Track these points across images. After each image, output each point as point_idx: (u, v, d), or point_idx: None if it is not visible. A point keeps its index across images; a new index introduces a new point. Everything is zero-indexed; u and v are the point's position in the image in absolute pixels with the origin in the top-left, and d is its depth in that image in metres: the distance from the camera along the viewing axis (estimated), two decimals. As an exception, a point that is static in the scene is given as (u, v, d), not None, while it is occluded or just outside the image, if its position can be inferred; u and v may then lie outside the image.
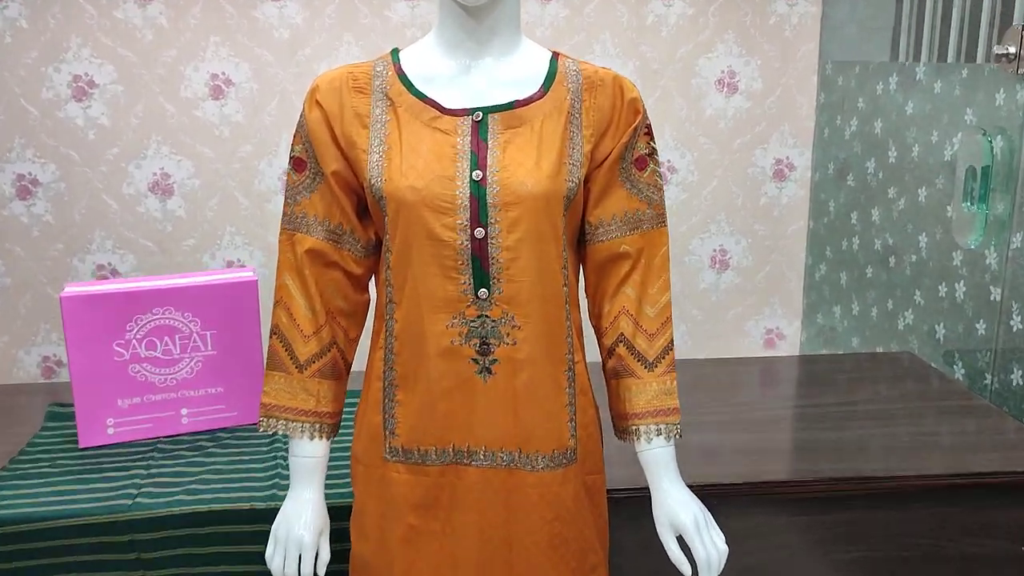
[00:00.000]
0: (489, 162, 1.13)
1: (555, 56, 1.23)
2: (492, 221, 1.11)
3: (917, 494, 1.54)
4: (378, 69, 1.22)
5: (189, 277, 1.71)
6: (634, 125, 1.21)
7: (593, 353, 1.23)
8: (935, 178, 2.16)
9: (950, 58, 2.15)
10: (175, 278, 1.70)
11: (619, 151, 1.20)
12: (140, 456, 1.62)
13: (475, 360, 1.15)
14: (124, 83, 2.60)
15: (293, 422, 1.21)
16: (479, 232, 1.11)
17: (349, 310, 1.24)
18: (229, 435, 1.70)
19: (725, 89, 2.76)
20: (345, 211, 1.20)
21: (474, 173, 1.11)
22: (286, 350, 1.22)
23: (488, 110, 1.15)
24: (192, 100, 2.64)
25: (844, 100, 2.63)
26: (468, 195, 1.10)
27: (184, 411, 1.71)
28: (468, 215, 1.10)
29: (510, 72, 1.20)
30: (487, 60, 1.19)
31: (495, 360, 1.15)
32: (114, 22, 2.56)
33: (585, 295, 1.28)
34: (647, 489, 1.20)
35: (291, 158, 1.25)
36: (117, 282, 1.68)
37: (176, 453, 1.63)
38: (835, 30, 2.72)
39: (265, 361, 1.25)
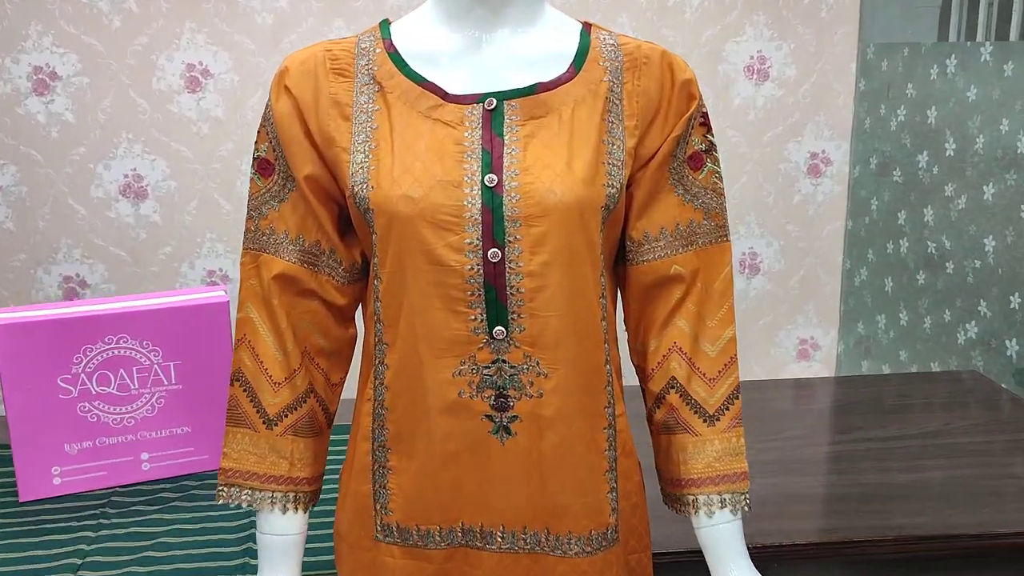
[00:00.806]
0: (506, 162, 0.88)
1: (587, 27, 0.98)
2: (511, 239, 0.87)
3: (1008, 554, 1.29)
4: (363, 46, 0.97)
5: (148, 299, 1.46)
6: (688, 114, 0.97)
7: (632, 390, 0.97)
8: (1005, 173, 1.91)
9: (1012, 37, 1.90)
10: (131, 300, 1.45)
11: (669, 147, 0.96)
12: (90, 513, 1.37)
13: (490, 417, 0.90)
14: (90, 75, 2.40)
15: (261, 492, 0.97)
16: (494, 254, 0.87)
17: (330, 348, 1.00)
18: (197, 483, 1.45)
19: (755, 76, 2.57)
20: (323, 226, 0.97)
21: (487, 177, 0.87)
22: (251, 401, 0.97)
23: (504, 95, 0.91)
24: (166, 93, 2.44)
25: (889, 87, 2.40)
26: (479, 206, 0.87)
27: (144, 456, 1.46)
28: (480, 232, 0.87)
29: (531, 47, 0.95)
30: (502, 32, 0.94)
31: (515, 417, 0.90)
32: (78, 7, 2.36)
33: (625, 328, 1.03)
34: (698, 553, 0.96)
35: (255, 159, 1.00)
36: (60, 306, 1.42)
37: (133, 508, 1.38)
38: (876, 10, 2.49)
39: (227, 413, 1.00)
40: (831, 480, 1.49)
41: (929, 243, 2.24)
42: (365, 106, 0.95)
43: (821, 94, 2.60)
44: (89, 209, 2.49)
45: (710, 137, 1.02)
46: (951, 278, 2.15)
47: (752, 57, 2.57)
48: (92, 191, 2.48)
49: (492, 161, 0.90)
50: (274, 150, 0.99)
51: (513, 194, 0.90)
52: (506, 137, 0.92)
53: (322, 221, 0.99)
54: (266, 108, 1.00)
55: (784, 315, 2.76)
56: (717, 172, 1.03)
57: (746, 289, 2.71)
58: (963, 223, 2.09)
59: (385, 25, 1.01)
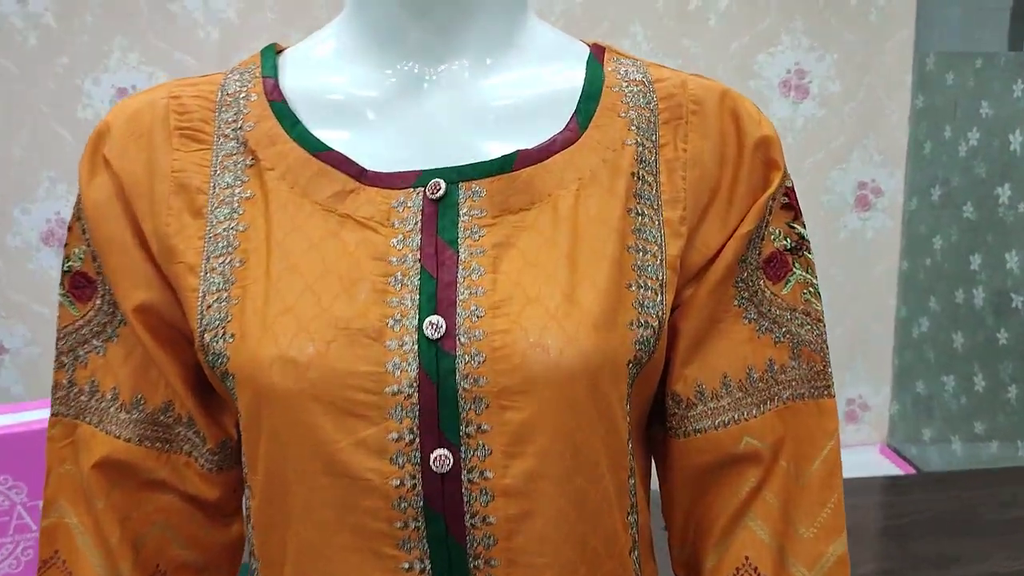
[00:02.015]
0: (462, 294, 0.57)
1: (596, 52, 0.62)
2: (471, 433, 0.55)
3: None
4: (231, 89, 0.61)
5: (3, 415, 1.08)
6: (767, 194, 0.62)
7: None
8: None
9: None
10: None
11: (737, 249, 0.62)
12: None
13: None
14: (1, 102, 2.12)
15: None
16: (442, 459, 0.54)
17: (201, 562, 0.67)
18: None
19: (792, 93, 2.28)
20: (172, 383, 0.62)
21: (428, 322, 0.55)
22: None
23: (460, 174, 0.59)
24: (93, 123, 2.16)
25: (956, 104, 2.09)
26: (415, 373, 0.54)
27: (1, 632, 1.07)
28: (415, 421, 0.54)
29: (506, 89, 0.63)
30: (458, 66, 0.59)
31: None
32: (-15, 23, 2.08)
33: (664, 526, 0.66)
34: None
35: (64, 273, 0.63)
36: None
37: None
38: (936, 12, 2.15)
39: None
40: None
41: (1014, 295, 1.90)
42: (228, 192, 0.59)
43: (870, 113, 2.31)
44: (6, 260, 2.21)
45: (798, 228, 0.65)
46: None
47: (789, 71, 2.29)
48: (9, 240, 2.20)
49: (438, 292, 0.53)
50: (93, 259, 0.62)
51: (474, 352, 0.52)
52: (463, 248, 0.55)
53: (170, 375, 0.61)
54: (78, 196, 0.62)
55: (828, 371, 2.41)
56: (811, 284, 0.65)
57: (784, 342, 2.36)
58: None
59: (269, 55, 0.63)
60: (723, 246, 0.61)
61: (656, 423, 0.65)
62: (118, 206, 0.60)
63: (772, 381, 0.63)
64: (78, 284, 0.63)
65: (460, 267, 0.55)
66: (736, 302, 0.63)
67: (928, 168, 2.22)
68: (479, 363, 0.53)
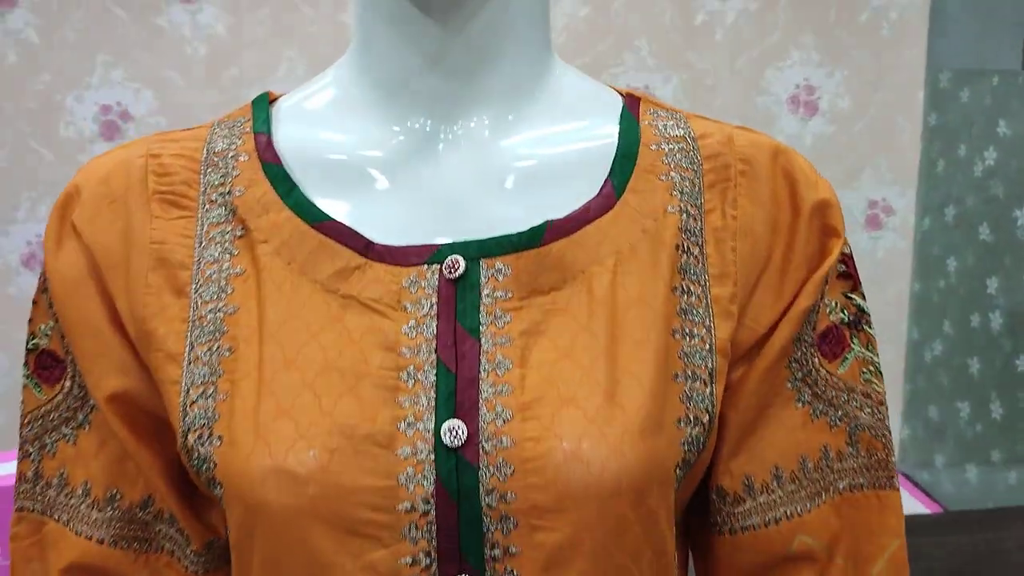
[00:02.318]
0: (486, 392, 0.49)
1: (631, 103, 0.55)
2: (498, 557, 0.48)
3: None
4: (218, 146, 0.54)
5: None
6: (826, 266, 0.55)
7: None
8: None
9: None
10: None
11: (792, 327, 0.56)
12: None
13: None
14: None
15: None
16: None
17: None
18: None
19: (801, 109, 2.21)
20: (153, 477, 0.55)
21: (447, 427, 0.47)
22: None
23: (481, 249, 0.52)
24: (76, 142, 2.05)
25: (971, 122, 2.00)
26: (432, 487, 0.47)
27: None
28: (433, 542, 0.48)
29: (531, 146, 0.55)
30: (476, 121, 0.50)
31: None
32: (-38, 38, 1.97)
33: None
34: None
35: (29, 352, 0.55)
36: None
37: None
38: (950, 27, 2.08)
39: None
40: None
41: (1035, 322, 1.81)
42: (215, 268, 0.51)
43: (882, 130, 2.22)
44: (-16, 286, 2.07)
45: (857, 300, 0.58)
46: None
47: (798, 86, 2.21)
48: (-13, 264, 2.07)
49: (457, 390, 0.46)
50: (62, 337, 0.54)
51: (501, 464, 0.45)
52: (486, 336, 0.48)
53: (149, 471, 0.54)
54: (43, 267, 0.55)
55: (838, 395, 2.33)
56: (871, 362, 0.58)
57: (792, 366, 2.29)
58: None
59: (262, 106, 0.55)
60: (776, 324, 0.54)
61: (695, 513, 0.58)
62: (89, 282, 0.52)
63: (827, 470, 0.56)
64: (45, 364, 0.55)
65: (483, 360, 0.47)
66: (789, 384, 0.56)
67: (941, 187, 2.15)
68: (506, 476, 0.45)
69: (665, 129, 0.55)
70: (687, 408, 0.50)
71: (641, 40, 2.13)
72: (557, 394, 0.46)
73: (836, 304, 0.56)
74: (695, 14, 2.13)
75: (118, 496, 0.54)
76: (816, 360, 0.56)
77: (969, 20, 2.08)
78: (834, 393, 0.56)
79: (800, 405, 0.56)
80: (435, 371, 0.47)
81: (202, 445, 0.48)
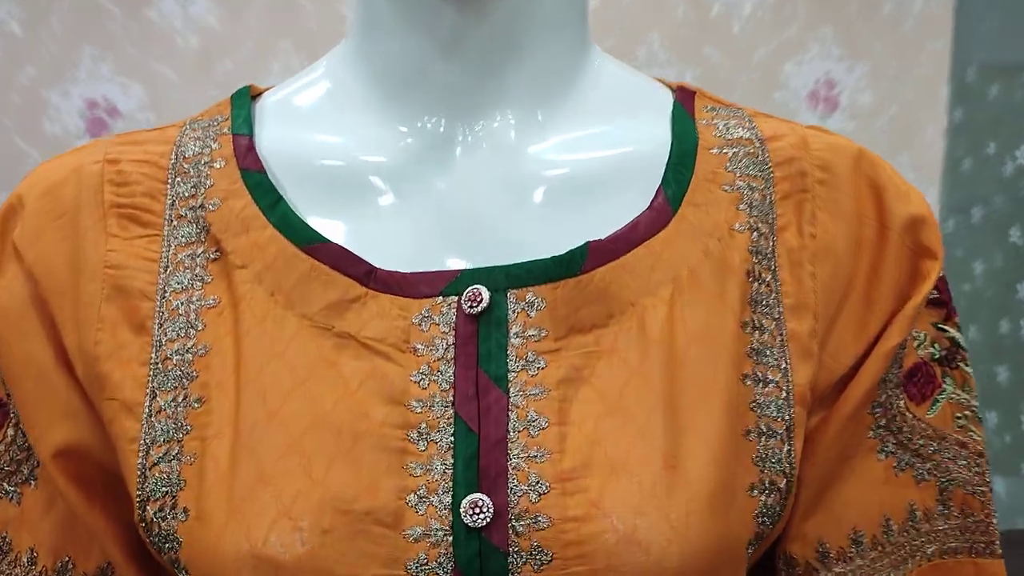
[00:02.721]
0: (515, 458, 0.39)
1: (684, 97, 0.48)
2: None
3: None
4: (188, 150, 0.45)
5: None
6: (921, 294, 0.47)
7: None
8: None
9: None
10: None
11: (879, 367, 0.47)
12: None
13: None
14: None
15: None
16: None
17: None
18: None
19: (821, 105, 2.13)
20: (109, 546, 0.46)
21: (468, 502, 0.38)
22: None
23: (508, 276, 0.42)
24: (62, 139, 1.98)
25: (1000, 119, 1.91)
26: (451, 568, 0.35)
27: None
28: None
29: (566, 151, 0.46)
30: (500, 121, 0.40)
31: None
32: (-59, 30, 1.90)
33: None
34: None
35: None
36: None
37: None
38: (977, 19, 2.01)
39: None
40: None
41: (1070, 330, 1.74)
42: (184, 299, 0.43)
43: (904, 127, 2.15)
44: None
45: (951, 331, 0.50)
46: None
47: (817, 81, 2.15)
48: (-30, 266, 1.99)
49: (480, 455, 0.37)
50: (2, 380, 0.45)
51: (535, 549, 0.37)
52: (516, 386, 0.40)
53: (105, 539, 0.45)
54: None
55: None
56: (968, 406, 0.50)
57: (810, 373, 2.22)
58: None
59: (242, 102, 0.46)
60: (859, 362, 0.46)
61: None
62: (32, 314, 0.43)
63: (914, 532, 0.48)
64: (-17, 408, 0.47)
65: (512, 416, 0.39)
66: (871, 432, 0.47)
67: (967, 187, 2.07)
68: (543, 565, 0.36)
69: (727, 129, 0.47)
70: (761, 472, 0.41)
71: (653, 34, 2.07)
72: (605, 459, 0.38)
73: (926, 337, 0.48)
74: (710, 6, 2.06)
75: (70, 566, 0.45)
76: (902, 403, 0.48)
77: (997, 12, 2.02)
78: (922, 442, 0.48)
79: (883, 456, 0.47)
80: (452, 430, 0.38)
81: (164, 519, 0.39)
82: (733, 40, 2.09)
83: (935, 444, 0.47)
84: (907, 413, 0.47)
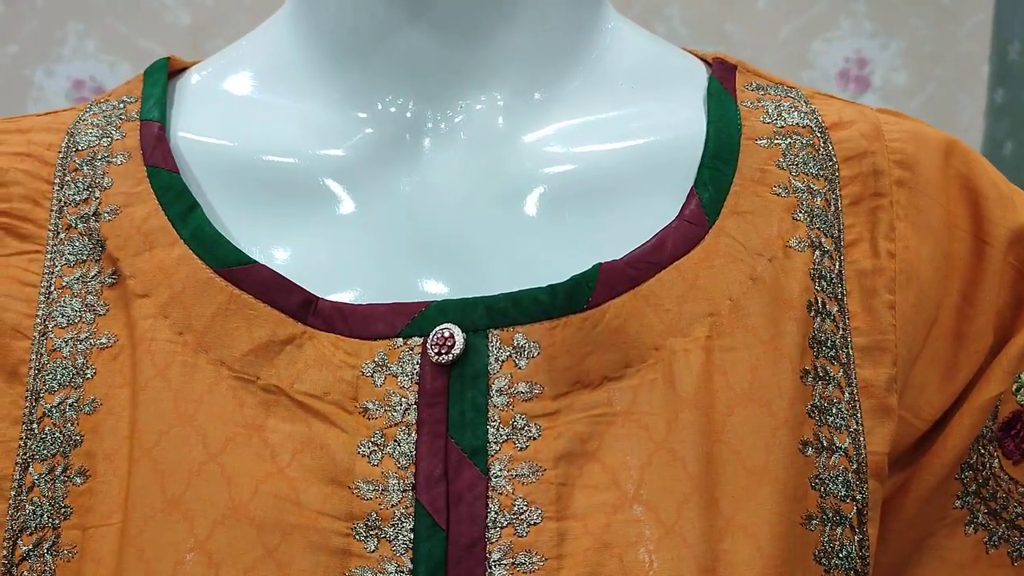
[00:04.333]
0: (497, 566, 0.28)
1: (722, 74, 0.36)
2: None
3: None
4: (83, 140, 0.35)
5: None
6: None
7: None
8: None
9: None
10: None
11: (974, 423, 0.36)
12: None
13: None
14: None
15: None
16: None
17: None
18: None
19: (852, 85, 2.07)
20: None
21: None
22: None
23: (488, 314, 0.31)
24: None
25: None
26: None
27: None
28: None
29: (570, 141, 0.37)
30: (483, 103, 0.28)
31: None
32: (-81, 5, 1.92)
33: None
34: None
35: None
36: None
37: None
38: None
39: None
40: None
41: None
42: (70, 336, 0.32)
43: (941, 108, 2.09)
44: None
45: None
46: None
47: (848, 60, 2.08)
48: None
49: (449, 561, 0.26)
50: None
51: None
52: (498, 463, 0.28)
53: None
54: None
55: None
56: None
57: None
58: None
59: (157, 78, 0.35)
60: (945, 415, 0.36)
61: None
62: None
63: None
64: None
65: (493, 507, 0.29)
66: (958, 501, 0.37)
67: (1009, 172, 1.95)
68: None
69: (779, 114, 0.36)
70: (826, 572, 0.31)
71: (673, 8, 2.02)
72: (620, 570, 0.27)
73: None
74: (734, -21, 1.98)
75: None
76: (996, 462, 0.38)
77: (1043, -16, 1.90)
78: (1020, 511, 0.38)
79: (972, 530, 0.38)
80: (412, 524, 0.28)
81: None
82: (758, 16, 2.04)
83: None
84: (1002, 475, 0.37)
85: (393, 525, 0.29)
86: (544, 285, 0.31)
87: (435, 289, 0.33)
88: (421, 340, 0.31)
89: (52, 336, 0.33)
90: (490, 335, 0.30)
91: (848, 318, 0.34)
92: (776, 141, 0.36)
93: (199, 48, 1.92)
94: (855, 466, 0.33)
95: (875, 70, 2.07)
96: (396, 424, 0.30)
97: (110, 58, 1.94)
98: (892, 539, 0.36)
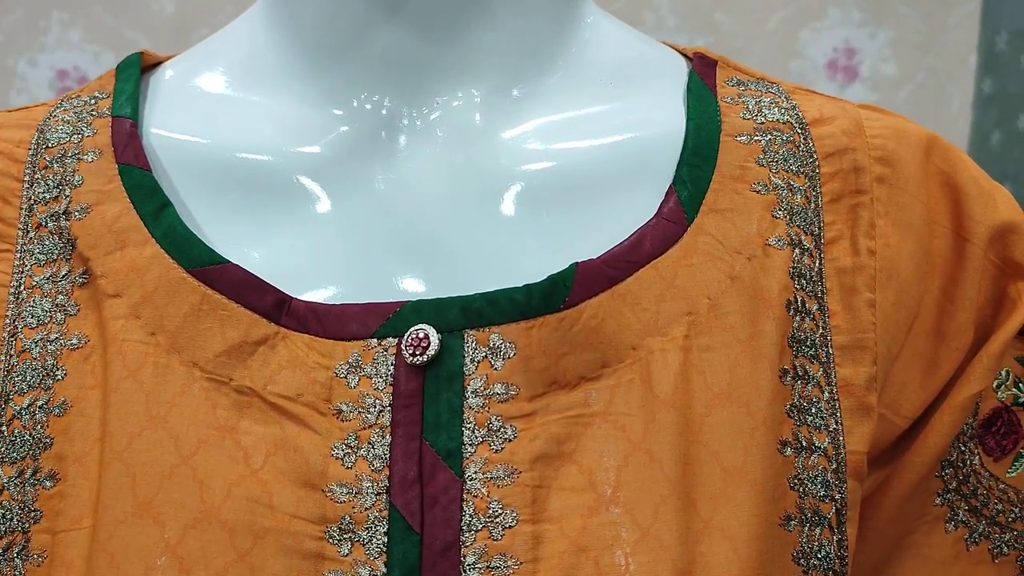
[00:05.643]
0: (468, 561, 0.28)
1: (702, 69, 0.37)
2: None
3: None
4: (53, 136, 0.38)
5: None
6: (1010, 327, 0.37)
7: None
8: None
9: None
10: None
11: (955, 421, 0.36)
12: None
13: None
14: None
15: None
16: None
17: None
18: None
19: (840, 75, 2.06)
20: None
21: None
22: None
23: (464, 313, 0.31)
24: None
25: None
26: None
27: None
28: None
29: (548, 138, 0.36)
30: (460, 100, 0.29)
31: None
32: (-100, -5, 1.89)
33: None
34: None
35: None
36: None
37: None
38: None
39: None
40: None
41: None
42: (40, 337, 0.33)
43: (929, 98, 2.09)
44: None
45: None
46: None
47: (836, 49, 2.07)
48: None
49: (424, 565, 0.25)
50: None
51: None
52: (473, 466, 0.31)
53: None
54: None
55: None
56: None
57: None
58: None
59: (130, 74, 0.35)
60: (924, 413, 0.36)
61: None
62: None
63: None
64: None
65: (468, 509, 0.28)
66: (938, 498, 0.37)
67: (996, 162, 1.97)
68: None
69: (759, 110, 0.36)
70: (805, 572, 0.31)
71: None
72: (595, 571, 0.27)
73: (1008, 375, 0.38)
74: (723, -32, 1.97)
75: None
76: (977, 459, 0.38)
77: (1031, -26, 1.90)
78: (1001, 507, 0.38)
79: (952, 527, 0.38)
80: (386, 528, 0.28)
81: None
82: (746, 5, 2.02)
83: (1017, 510, 0.38)
84: (983, 472, 0.37)
85: (367, 528, 0.28)
86: (521, 284, 0.31)
87: (411, 288, 0.33)
88: (396, 341, 0.30)
89: (21, 336, 0.33)
90: (466, 335, 0.30)
91: (828, 316, 0.34)
92: (756, 138, 0.35)
93: (184, 38, 1.89)
94: (834, 466, 0.32)
95: (863, 60, 2.06)
96: (370, 426, 0.30)
97: (94, 48, 1.91)
98: (872, 537, 0.36)
